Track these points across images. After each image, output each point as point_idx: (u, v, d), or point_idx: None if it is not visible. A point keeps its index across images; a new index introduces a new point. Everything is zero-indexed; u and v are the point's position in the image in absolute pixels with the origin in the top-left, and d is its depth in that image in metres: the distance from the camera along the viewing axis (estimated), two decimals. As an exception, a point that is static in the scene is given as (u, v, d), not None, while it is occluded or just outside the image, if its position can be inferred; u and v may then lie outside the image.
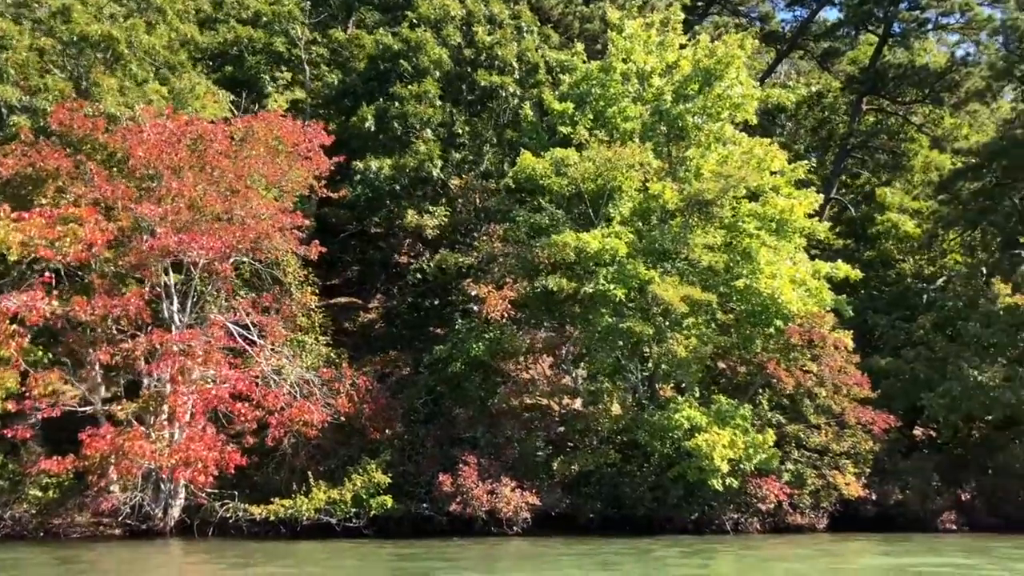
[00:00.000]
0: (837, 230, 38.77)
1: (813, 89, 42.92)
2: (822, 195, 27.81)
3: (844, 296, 27.53)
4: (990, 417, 28.02)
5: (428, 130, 28.23)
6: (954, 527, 25.46)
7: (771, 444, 23.56)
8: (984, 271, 31.84)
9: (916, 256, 35.72)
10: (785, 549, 21.36)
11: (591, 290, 23.25)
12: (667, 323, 24.05)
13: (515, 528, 22.51)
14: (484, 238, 25.80)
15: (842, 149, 39.98)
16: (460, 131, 29.07)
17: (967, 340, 28.07)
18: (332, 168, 25.39)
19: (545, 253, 24.00)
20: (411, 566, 17.83)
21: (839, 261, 26.86)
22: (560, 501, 23.57)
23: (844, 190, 42.19)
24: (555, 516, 23.72)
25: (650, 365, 25.28)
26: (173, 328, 22.39)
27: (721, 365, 26.54)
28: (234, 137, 24.00)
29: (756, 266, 24.36)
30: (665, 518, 24.05)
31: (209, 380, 21.80)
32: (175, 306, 23.03)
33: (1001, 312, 27.49)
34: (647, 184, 25.26)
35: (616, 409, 24.61)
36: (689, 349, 23.61)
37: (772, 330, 24.75)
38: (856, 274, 26.45)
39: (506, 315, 23.69)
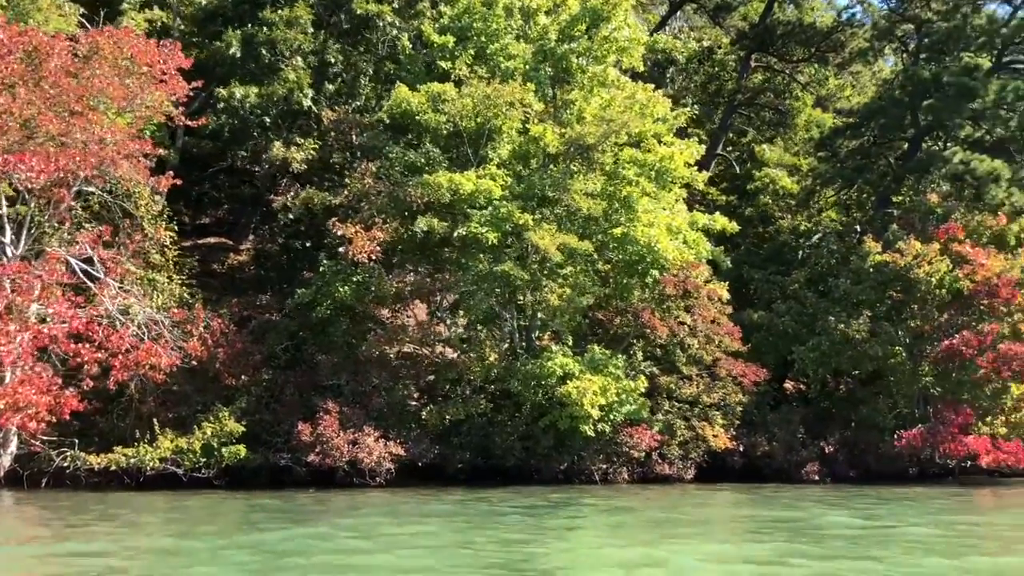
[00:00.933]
0: (722, 186, 39.11)
1: (704, 44, 42.78)
2: (704, 145, 27.54)
3: (722, 248, 27.57)
4: (857, 372, 28.68)
5: (299, 58, 26.47)
6: (816, 478, 25.92)
7: (642, 392, 23.39)
8: (858, 229, 32.44)
9: (794, 213, 36.19)
10: (641, 500, 21.17)
11: (463, 232, 22.32)
12: (543, 271, 23.41)
13: (378, 479, 21.64)
14: (356, 175, 24.42)
15: (729, 105, 40.07)
16: (333, 60, 27.41)
17: (837, 296, 28.52)
18: (191, 95, 23.45)
19: (418, 192, 22.89)
20: (238, 517, 16.68)
21: (717, 213, 26.72)
22: (428, 451, 22.78)
23: (731, 147, 42.44)
24: (422, 467, 22.99)
25: (528, 314, 24.63)
26: (4, 260, 20.40)
27: (598, 315, 26.12)
28: (78, 54, 21.80)
29: (634, 215, 23.91)
30: (534, 468, 23.65)
31: (46, 318, 19.95)
32: (7, 237, 20.95)
33: (871, 269, 27.93)
34: (528, 126, 24.37)
35: (491, 358, 23.88)
36: (564, 298, 23.06)
37: (649, 280, 24.46)
38: (732, 227, 26.41)
39: (375, 257, 22.54)
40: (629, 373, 24.08)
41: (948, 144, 30.27)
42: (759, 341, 28.91)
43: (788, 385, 31.12)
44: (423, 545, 12.91)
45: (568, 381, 22.44)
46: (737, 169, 40.19)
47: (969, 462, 26.17)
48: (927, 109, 28.88)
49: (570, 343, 23.86)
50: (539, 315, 24.42)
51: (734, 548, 13.37)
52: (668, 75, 41.25)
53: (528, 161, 24.46)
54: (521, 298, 23.68)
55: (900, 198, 32.09)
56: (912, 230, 28.42)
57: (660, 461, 24.52)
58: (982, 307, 26.98)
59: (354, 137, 27.55)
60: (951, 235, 27.46)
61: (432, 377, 23.84)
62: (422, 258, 24.78)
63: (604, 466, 24.02)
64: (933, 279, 26.94)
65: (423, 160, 24.23)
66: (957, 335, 26.32)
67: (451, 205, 23.12)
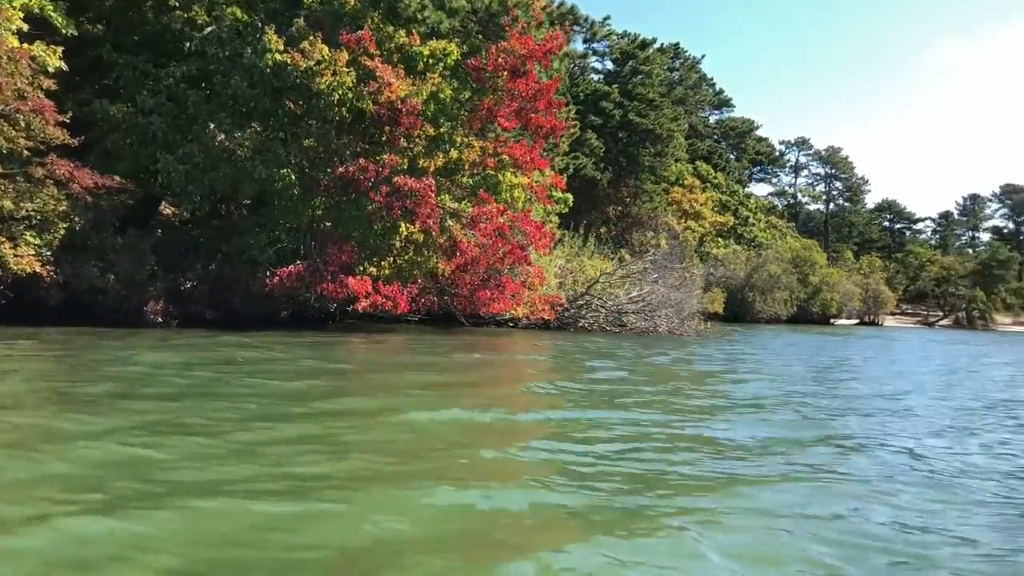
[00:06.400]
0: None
1: None
2: None
3: (62, 5, 19.68)
4: (239, 194, 23.66)
5: None
6: (161, 319, 20.40)
7: None
8: (260, 24, 26.77)
9: (190, 3, 29.09)
10: None
11: None
12: None
13: None
14: None
15: None
16: None
17: (225, 99, 22.85)
18: None
19: None
20: None
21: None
22: None
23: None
24: None
25: None
26: None
27: None
28: None
29: None
30: None
31: None
32: None
33: (267, 70, 22.69)
34: None
35: None
36: None
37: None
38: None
39: None
40: None
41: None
42: (117, 143, 22.09)
43: (168, 211, 24.90)
44: None
45: None
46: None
47: (351, 306, 23.17)
48: None
49: None
50: None
51: None
52: None
53: None
54: None
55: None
56: (320, 31, 23.76)
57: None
58: (384, 134, 23.76)
59: None
60: (362, 46, 23.44)
61: None
62: None
63: None
64: (336, 94, 22.79)
65: None
66: (354, 162, 22.73)
67: None
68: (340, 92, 22.79)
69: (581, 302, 30.72)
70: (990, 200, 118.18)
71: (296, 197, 23.03)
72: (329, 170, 23.12)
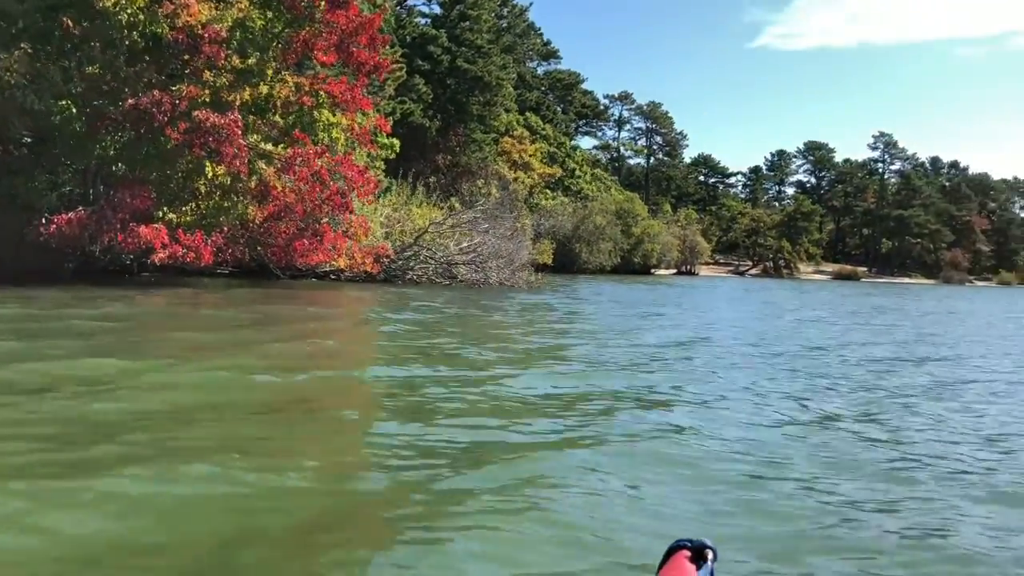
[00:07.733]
0: None
1: None
2: None
3: None
4: (20, 134, 20.45)
5: None
6: None
7: None
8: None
9: None
10: None
11: None
12: None
13: None
14: None
15: None
16: None
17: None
18: None
19: None
20: None
21: None
22: None
23: None
24: None
25: None
26: None
27: None
28: None
29: None
30: None
31: None
32: None
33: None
34: None
35: None
36: None
37: None
38: None
39: None
40: None
41: None
42: None
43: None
44: None
45: None
46: None
47: (148, 257, 20.65)
48: None
49: None
50: None
51: None
52: None
53: None
54: None
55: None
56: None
57: None
58: (185, 64, 21.17)
59: None
60: (154, -38, 20.64)
61: None
62: None
63: None
64: (124, 14, 19.94)
65: None
66: (147, 94, 20.06)
67: None
68: (129, 12, 19.96)
69: (409, 253, 29.29)
70: (795, 156, 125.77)
71: (80, 133, 20.15)
72: (120, 103, 20.33)
